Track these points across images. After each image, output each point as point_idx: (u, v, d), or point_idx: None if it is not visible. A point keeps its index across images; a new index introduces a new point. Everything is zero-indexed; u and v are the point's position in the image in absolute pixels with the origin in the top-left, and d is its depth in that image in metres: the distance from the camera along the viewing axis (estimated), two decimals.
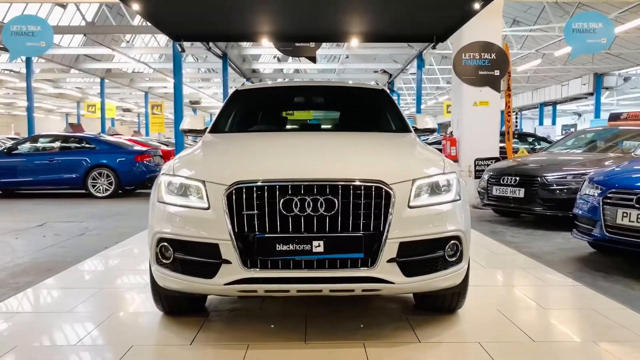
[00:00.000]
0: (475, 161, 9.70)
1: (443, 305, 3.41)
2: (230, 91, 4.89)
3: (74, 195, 11.91)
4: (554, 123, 31.04)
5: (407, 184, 2.87)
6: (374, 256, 2.76)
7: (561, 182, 7.14)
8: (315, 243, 2.72)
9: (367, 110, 4.74)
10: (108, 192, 11.44)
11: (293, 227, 2.73)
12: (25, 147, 12.08)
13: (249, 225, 2.75)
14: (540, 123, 31.00)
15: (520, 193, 7.42)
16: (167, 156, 13.03)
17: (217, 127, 4.26)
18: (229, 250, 2.75)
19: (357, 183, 2.77)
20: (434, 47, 7.98)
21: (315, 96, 4.88)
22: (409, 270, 2.82)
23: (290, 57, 24.21)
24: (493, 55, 9.87)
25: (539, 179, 7.26)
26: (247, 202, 2.76)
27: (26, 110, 15.17)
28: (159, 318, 3.44)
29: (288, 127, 4.88)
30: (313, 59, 10.72)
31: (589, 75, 24.08)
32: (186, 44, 20.01)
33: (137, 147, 12.29)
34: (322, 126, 4.94)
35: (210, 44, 14.54)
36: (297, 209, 2.72)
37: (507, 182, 7.63)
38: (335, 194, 2.75)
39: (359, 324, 3.26)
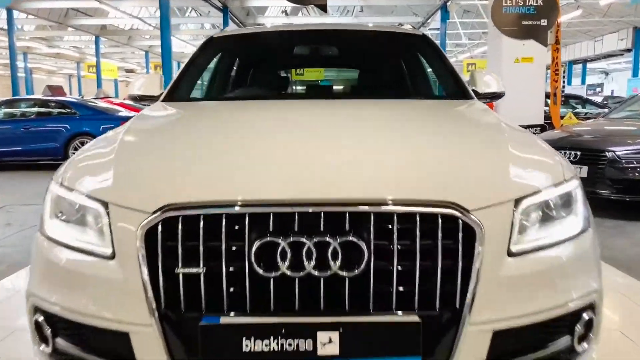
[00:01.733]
0: None
1: None
2: None
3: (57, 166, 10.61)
4: (583, 82, 28.92)
5: (505, 210, 1.46)
6: None
7: (637, 158, 5.65)
8: (322, 336, 1.34)
9: (402, 66, 3.27)
10: None
11: (277, 301, 1.36)
12: None
13: (189, 296, 1.38)
14: (569, 83, 28.90)
15: (583, 172, 5.94)
16: None
17: (176, 92, 2.83)
18: (148, 345, 1.38)
19: (408, 208, 1.37)
20: None
21: (327, 46, 3.39)
22: None
23: (300, 12, 22.36)
24: (539, 2, 8.20)
25: (607, 154, 5.77)
26: (185, 247, 1.38)
27: (9, 69, 13.76)
28: None
29: (287, 91, 3.41)
30: (323, 7, 9.10)
31: (627, 30, 21.94)
32: None
33: (124, 113, 10.87)
34: (336, 91, 3.46)
35: None
36: (287, 263, 1.35)
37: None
38: (363, 232, 1.36)
39: None
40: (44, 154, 10.13)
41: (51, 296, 1.52)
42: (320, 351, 1.32)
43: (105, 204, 1.48)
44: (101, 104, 11.78)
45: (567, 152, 6.14)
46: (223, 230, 1.37)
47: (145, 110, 2.45)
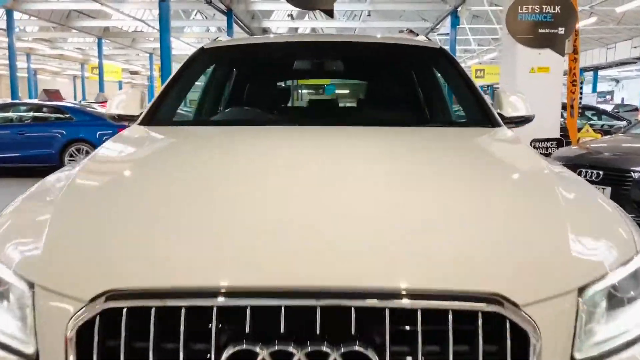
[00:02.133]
0: (531, 143, 7.76)
1: None
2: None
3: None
4: (594, 91, 28.38)
5: (566, 303, 1.08)
6: None
7: None
8: None
9: (417, 85, 2.89)
10: None
11: None
12: None
13: None
14: (580, 91, 28.36)
15: (606, 193, 5.53)
16: None
17: (158, 112, 2.46)
18: None
19: (437, 303, 1.00)
20: None
21: (331, 60, 3.01)
22: None
23: (307, 16, 22.01)
24: (557, 9, 7.80)
25: (632, 174, 5.37)
26: (130, 352, 1.02)
27: (9, 69, 13.46)
28: None
29: (286, 110, 3.00)
30: (330, 13, 8.72)
31: None
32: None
33: None
34: (342, 112, 3.05)
35: None
36: None
37: (585, 176, 5.74)
38: (374, 335, 0.99)
39: None
40: (38, 160, 9.79)
41: None
42: None
43: (30, 285, 1.11)
44: (99, 109, 11.46)
45: (587, 170, 5.74)
46: (182, 329, 1.00)
47: (112, 141, 2.06)
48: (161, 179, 1.54)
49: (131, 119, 2.52)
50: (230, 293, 1.02)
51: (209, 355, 0.99)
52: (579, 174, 5.80)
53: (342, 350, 0.97)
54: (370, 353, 0.97)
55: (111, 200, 1.39)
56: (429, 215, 1.26)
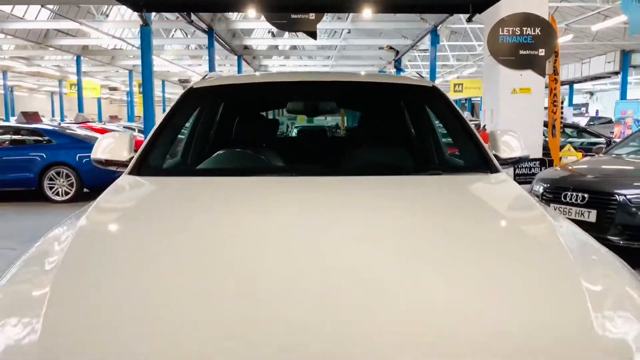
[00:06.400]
0: None
1: None
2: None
3: (31, 197, 10.00)
4: (570, 104, 28.97)
5: None
6: None
7: None
8: None
9: (410, 127, 2.87)
10: (68, 195, 9.57)
11: None
12: None
13: None
14: None
15: (591, 216, 5.57)
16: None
17: (147, 161, 2.39)
18: None
19: None
20: (469, 20, 5.97)
21: (323, 101, 2.98)
22: None
23: (287, 34, 22.11)
24: (537, 31, 7.93)
25: (616, 197, 5.41)
26: None
27: None
28: None
29: (272, 150, 2.87)
30: (313, 34, 8.76)
31: (614, 53, 21.99)
32: (169, 15, 17.89)
33: None
34: (330, 159, 2.89)
35: (193, 16, 12.54)
36: None
37: (570, 199, 5.77)
38: None
39: None
40: (16, 184, 9.58)
41: None
42: None
43: None
44: (78, 131, 11.29)
45: (572, 193, 5.77)
46: None
47: (104, 200, 1.97)
48: (164, 256, 1.42)
49: (119, 164, 2.46)
50: None
51: None
52: (564, 197, 5.84)
53: None
54: None
55: (112, 279, 1.30)
56: (440, 294, 1.19)
